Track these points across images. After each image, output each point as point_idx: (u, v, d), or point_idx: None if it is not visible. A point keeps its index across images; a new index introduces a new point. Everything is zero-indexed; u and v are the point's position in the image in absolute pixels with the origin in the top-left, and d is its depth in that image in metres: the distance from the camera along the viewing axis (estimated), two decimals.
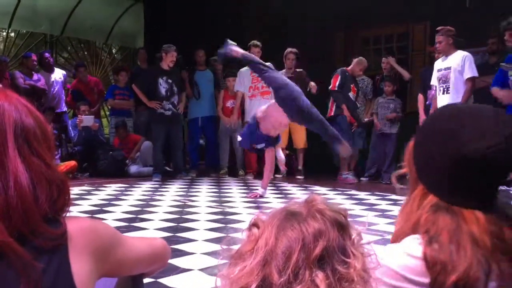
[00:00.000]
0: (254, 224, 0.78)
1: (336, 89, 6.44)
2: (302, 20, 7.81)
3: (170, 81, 6.46)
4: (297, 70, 6.68)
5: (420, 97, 5.89)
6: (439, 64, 5.22)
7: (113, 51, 13.09)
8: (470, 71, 4.89)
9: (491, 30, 5.76)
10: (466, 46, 5.82)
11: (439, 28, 5.13)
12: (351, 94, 6.56)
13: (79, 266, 0.73)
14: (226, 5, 8.55)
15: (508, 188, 1.82)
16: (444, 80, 5.10)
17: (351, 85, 6.59)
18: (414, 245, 0.90)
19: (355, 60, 6.67)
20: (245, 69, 6.78)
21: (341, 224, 0.75)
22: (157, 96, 6.42)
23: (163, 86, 6.44)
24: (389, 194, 5.00)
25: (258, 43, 6.67)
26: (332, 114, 6.43)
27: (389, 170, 6.11)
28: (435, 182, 0.95)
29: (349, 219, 0.80)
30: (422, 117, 5.71)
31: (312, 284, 0.69)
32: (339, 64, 8.17)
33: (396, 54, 7.80)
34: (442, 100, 5.02)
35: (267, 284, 0.71)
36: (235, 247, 0.79)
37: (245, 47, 7.34)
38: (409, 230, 0.95)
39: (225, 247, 0.81)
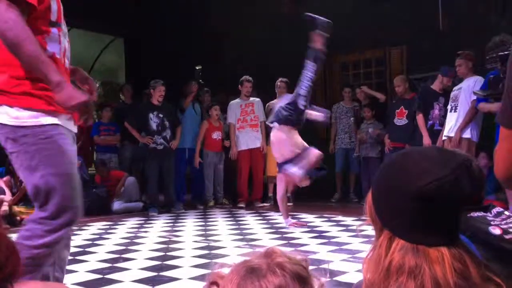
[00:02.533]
0: (213, 283, 0.77)
1: None
2: (280, 47, 7.91)
3: (161, 115, 6.52)
4: None
5: (420, 116, 5.73)
6: (456, 86, 5.34)
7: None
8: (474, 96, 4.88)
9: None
10: (438, 69, 5.97)
11: (459, 52, 5.22)
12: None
13: None
14: (206, 38, 8.65)
15: (484, 213, 1.83)
16: (454, 99, 5.23)
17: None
18: None
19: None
20: (235, 101, 6.90)
21: (302, 277, 0.75)
22: (149, 131, 6.47)
23: (153, 120, 6.51)
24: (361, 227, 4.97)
25: (250, 78, 6.88)
26: None
27: None
28: (397, 224, 0.96)
29: (310, 270, 0.79)
30: (425, 136, 5.60)
31: None
32: (318, 91, 8.28)
33: (374, 78, 7.95)
34: (450, 118, 5.19)
35: None
36: None
37: (228, 80, 7.47)
38: (382, 278, 0.95)
39: None
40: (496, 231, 1.56)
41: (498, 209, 1.69)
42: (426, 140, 5.57)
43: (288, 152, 4.73)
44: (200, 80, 7.15)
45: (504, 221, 1.61)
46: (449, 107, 5.32)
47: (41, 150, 1.74)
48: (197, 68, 7.00)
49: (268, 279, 0.72)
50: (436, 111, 5.75)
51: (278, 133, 4.77)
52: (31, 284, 0.78)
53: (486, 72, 4.92)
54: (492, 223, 1.65)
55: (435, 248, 0.92)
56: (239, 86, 6.91)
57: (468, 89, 5.07)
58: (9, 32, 1.60)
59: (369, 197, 1.06)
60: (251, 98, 6.96)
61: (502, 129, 1.21)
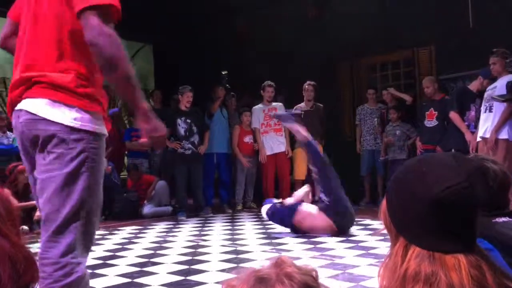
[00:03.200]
0: None
1: None
2: (308, 50, 7.90)
3: (188, 121, 6.61)
4: (317, 104, 6.84)
5: (456, 115, 5.55)
6: (491, 85, 5.16)
7: None
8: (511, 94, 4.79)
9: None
10: (471, 68, 5.84)
11: (494, 50, 5.04)
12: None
13: None
14: (231, 39, 8.72)
15: (510, 219, 1.79)
16: (488, 99, 5.06)
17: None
18: None
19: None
20: (258, 107, 6.96)
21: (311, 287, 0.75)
22: (177, 136, 6.56)
23: (181, 126, 6.59)
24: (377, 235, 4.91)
25: (272, 83, 6.90)
26: None
27: None
28: (413, 232, 0.96)
29: (319, 281, 0.79)
30: (466, 132, 5.43)
31: None
32: (345, 93, 8.23)
33: (403, 79, 7.84)
34: (486, 118, 5.02)
35: None
36: None
37: (250, 82, 7.50)
38: (398, 285, 0.95)
39: None
40: None
41: None
42: (468, 136, 5.36)
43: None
44: (227, 85, 7.19)
45: None
46: (482, 107, 5.15)
47: (89, 161, 1.65)
48: (223, 73, 7.07)
49: None
50: (473, 113, 5.60)
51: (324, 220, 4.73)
52: None
53: None
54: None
55: (451, 255, 0.91)
56: (261, 91, 6.95)
57: (502, 88, 4.90)
58: (109, 48, 1.54)
59: (383, 204, 1.06)
60: (274, 103, 7.01)
61: None
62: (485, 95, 5.17)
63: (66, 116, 1.63)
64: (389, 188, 1.06)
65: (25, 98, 1.66)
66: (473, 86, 5.68)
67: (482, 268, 0.91)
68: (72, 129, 1.63)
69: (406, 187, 0.99)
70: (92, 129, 1.65)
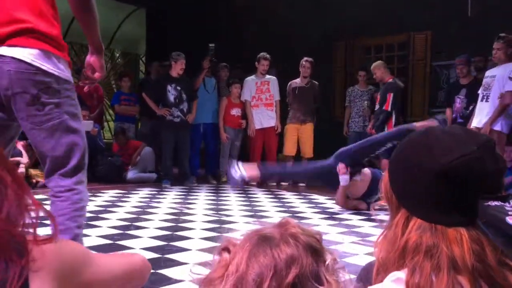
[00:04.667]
0: (225, 249, 0.75)
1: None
2: (303, 29, 7.83)
3: (179, 88, 6.51)
4: (312, 81, 6.83)
5: (448, 112, 5.83)
6: (488, 71, 5.11)
7: (116, 55, 13.14)
8: (510, 85, 4.70)
9: (493, 39, 5.74)
10: (469, 56, 5.84)
11: (502, 34, 4.90)
12: None
13: None
14: (228, 13, 8.59)
15: (502, 203, 1.80)
16: (486, 87, 4.98)
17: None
18: (396, 285, 0.89)
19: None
20: (250, 78, 6.87)
21: (315, 249, 0.73)
22: (166, 103, 6.47)
23: (171, 93, 6.50)
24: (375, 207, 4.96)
25: (268, 55, 6.77)
26: None
27: None
28: (416, 203, 0.94)
29: (322, 243, 0.77)
30: None
31: None
32: (339, 73, 8.20)
33: (396, 63, 7.82)
34: (481, 108, 4.97)
35: None
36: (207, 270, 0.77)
37: (247, 56, 7.40)
38: (397, 257, 0.94)
39: (194, 273, 0.79)
40: None
41: None
42: None
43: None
44: (213, 58, 7.05)
45: None
46: (480, 94, 5.08)
47: (77, 107, 1.81)
48: (210, 45, 6.92)
49: (281, 248, 0.71)
50: (458, 105, 5.68)
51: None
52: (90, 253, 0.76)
53: None
54: (509, 213, 1.63)
55: (453, 228, 0.90)
56: (256, 63, 6.85)
57: (502, 77, 4.78)
58: None
59: (385, 176, 1.04)
60: (267, 76, 6.90)
61: None
62: (484, 82, 5.09)
63: (56, 67, 1.72)
64: (392, 159, 1.05)
65: (9, 45, 1.65)
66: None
67: (482, 243, 0.90)
68: (61, 79, 1.74)
69: (411, 158, 0.97)
70: (71, 78, 1.79)
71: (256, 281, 0.68)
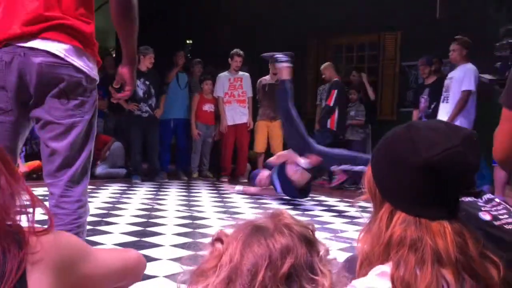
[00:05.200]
0: (218, 239, 0.75)
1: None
2: (275, 26, 7.84)
3: (147, 82, 6.40)
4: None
5: (415, 113, 6.00)
6: (449, 73, 5.33)
7: None
8: (467, 84, 4.95)
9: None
10: (436, 57, 6.00)
11: (457, 36, 5.15)
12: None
13: (37, 281, 0.68)
14: (201, 10, 8.52)
15: (475, 199, 1.85)
16: (446, 89, 5.20)
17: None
18: (380, 278, 0.90)
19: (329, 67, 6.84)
20: (223, 74, 6.84)
21: (309, 240, 0.73)
22: (135, 97, 6.35)
23: (140, 87, 6.38)
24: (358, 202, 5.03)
25: (241, 52, 6.75)
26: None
27: (354, 176, 6.31)
28: (400, 197, 0.96)
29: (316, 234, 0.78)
30: None
31: None
32: (311, 70, 8.25)
33: (367, 62, 7.94)
34: (442, 109, 5.17)
35: None
36: (198, 262, 0.76)
37: (218, 54, 7.36)
38: (382, 250, 0.95)
39: (186, 265, 0.78)
40: (486, 216, 1.58)
41: (489, 195, 1.70)
42: None
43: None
44: (189, 55, 7.00)
45: (494, 208, 1.63)
46: (442, 97, 5.32)
47: (96, 109, 1.77)
48: (187, 42, 6.86)
49: (275, 238, 0.71)
50: (422, 104, 5.86)
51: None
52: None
53: (486, 60, 4.92)
54: (482, 208, 1.67)
55: (437, 221, 0.92)
56: (229, 59, 6.82)
57: (459, 79, 5.05)
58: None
59: (368, 171, 1.05)
60: (240, 73, 6.88)
61: (504, 111, 1.21)
62: (444, 84, 5.32)
63: (86, 64, 1.70)
64: (375, 154, 1.06)
65: (42, 38, 1.63)
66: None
67: (465, 236, 0.92)
68: (90, 78, 1.71)
69: (395, 153, 0.98)
70: (98, 78, 1.76)
71: (251, 271, 0.68)
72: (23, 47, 1.61)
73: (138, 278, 1.02)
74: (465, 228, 0.94)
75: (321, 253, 0.74)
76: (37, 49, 1.61)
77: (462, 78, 5.02)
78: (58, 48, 1.63)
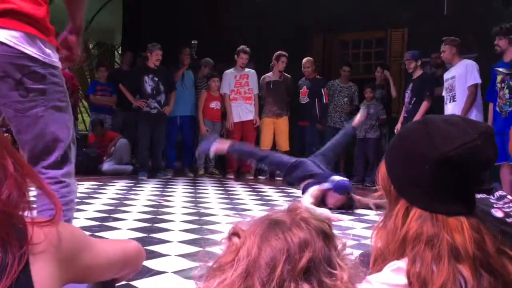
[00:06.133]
0: (235, 233, 0.74)
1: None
2: (281, 22, 7.82)
3: (156, 79, 6.42)
4: (285, 74, 6.79)
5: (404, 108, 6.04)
6: (446, 74, 5.39)
7: (90, 46, 12.88)
8: (472, 79, 5.01)
9: (468, 37, 5.90)
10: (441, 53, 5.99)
11: (444, 38, 5.29)
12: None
13: (40, 272, 0.68)
14: (203, 4, 8.50)
15: (487, 196, 1.83)
16: (450, 89, 5.24)
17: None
18: (396, 274, 0.90)
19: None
20: (229, 71, 6.84)
21: (326, 234, 0.73)
22: (143, 94, 6.37)
23: (148, 84, 6.41)
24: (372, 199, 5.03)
25: (247, 49, 6.72)
26: None
27: (371, 174, 6.34)
28: (417, 193, 0.95)
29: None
30: (398, 126, 5.91)
31: None
32: (317, 67, 8.22)
33: (373, 59, 7.91)
34: (450, 109, 5.19)
35: None
36: (213, 257, 0.76)
37: (223, 48, 7.36)
38: (397, 247, 0.94)
39: (202, 259, 0.77)
40: (498, 213, 1.57)
41: (501, 192, 1.69)
42: (398, 125, 5.89)
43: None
44: (194, 55, 7.00)
45: (507, 205, 1.61)
46: (446, 97, 5.35)
47: (64, 93, 1.68)
48: (193, 42, 6.88)
49: (293, 232, 0.70)
50: (406, 99, 5.93)
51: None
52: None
53: (493, 55, 4.94)
54: (494, 205, 1.66)
55: (454, 217, 0.91)
56: (235, 56, 6.82)
57: (462, 75, 5.08)
58: None
59: (382, 168, 1.05)
60: (246, 69, 6.88)
61: None
62: (446, 85, 5.34)
63: (42, 51, 1.60)
64: (389, 151, 1.05)
65: None
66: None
67: (482, 231, 0.92)
68: (47, 65, 1.62)
69: (411, 148, 0.97)
70: (58, 64, 1.67)
71: (269, 265, 0.67)
72: None
73: (137, 269, 1.02)
74: (482, 223, 0.94)
75: (338, 247, 0.74)
76: None
77: (465, 74, 5.05)
78: (7, 36, 1.52)
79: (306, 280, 0.67)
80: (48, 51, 1.63)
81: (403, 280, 0.88)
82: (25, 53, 1.56)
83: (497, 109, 4.67)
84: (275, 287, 0.66)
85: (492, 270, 0.87)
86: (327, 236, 0.72)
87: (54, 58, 1.66)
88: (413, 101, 5.74)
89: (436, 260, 0.88)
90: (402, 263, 0.91)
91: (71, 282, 0.76)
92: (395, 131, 5.82)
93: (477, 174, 0.94)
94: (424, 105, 5.55)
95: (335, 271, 0.69)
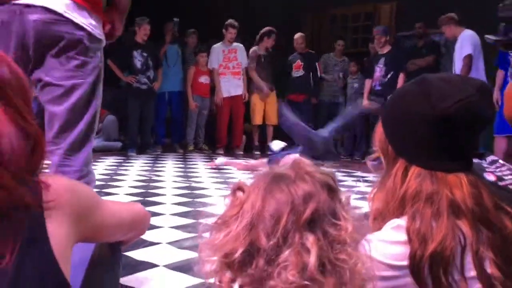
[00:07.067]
0: (239, 188, 0.74)
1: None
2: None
3: (145, 54, 6.34)
4: (271, 49, 6.77)
5: (367, 82, 6.14)
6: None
7: None
8: (464, 50, 5.01)
9: (457, 10, 5.88)
10: (428, 27, 6.03)
11: (441, 18, 5.31)
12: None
13: (55, 228, 0.68)
14: None
15: (479, 160, 1.87)
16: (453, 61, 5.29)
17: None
18: (396, 231, 0.91)
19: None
20: (217, 45, 6.76)
21: (330, 187, 0.73)
22: (132, 69, 6.28)
23: (138, 59, 6.32)
24: (355, 171, 5.08)
25: (235, 23, 6.63)
26: None
27: (359, 148, 6.47)
28: (415, 153, 0.96)
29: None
30: (365, 101, 6.04)
31: (303, 248, 0.66)
32: (307, 41, 8.16)
33: (360, 33, 7.88)
34: None
35: (255, 249, 0.68)
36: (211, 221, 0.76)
37: (209, 26, 7.25)
38: (397, 205, 0.95)
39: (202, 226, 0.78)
40: (491, 177, 1.59)
41: (493, 157, 1.72)
42: (364, 101, 6.03)
43: None
44: (176, 32, 6.89)
45: (499, 169, 1.64)
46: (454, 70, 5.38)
47: (101, 72, 1.65)
48: (174, 19, 6.74)
49: (297, 185, 0.71)
50: (377, 73, 5.95)
51: None
52: (57, 178, 0.73)
53: (487, 28, 4.92)
54: (487, 169, 1.69)
55: (453, 174, 0.93)
56: (224, 30, 6.73)
57: (458, 49, 5.09)
58: None
59: (379, 129, 1.05)
60: (234, 44, 6.80)
61: None
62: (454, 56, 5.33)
63: (89, 22, 1.57)
64: (385, 112, 1.05)
65: None
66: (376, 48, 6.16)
67: (480, 187, 0.93)
68: (93, 37, 1.58)
69: (408, 108, 0.97)
70: (103, 38, 1.63)
71: (273, 217, 0.68)
72: (19, 4, 1.50)
73: (143, 232, 1.03)
74: (479, 179, 0.96)
75: (342, 200, 0.74)
76: (33, 5, 1.49)
77: (460, 47, 5.05)
78: (57, 3, 1.51)
79: (311, 231, 0.67)
80: (95, 22, 1.59)
81: (403, 237, 0.90)
82: (73, 21, 1.53)
83: (509, 79, 4.69)
84: (279, 238, 0.67)
85: (490, 225, 0.89)
86: (331, 189, 0.73)
87: (100, 31, 1.61)
88: (389, 75, 5.82)
89: (435, 216, 0.89)
90: (402, 221, 0.93)
91: (82, 241, 0.76)
92: (364, 106, 5.99)
93: (476, 129, 0.96)
94: (402, 77, 5.67)
95: (339, 222, 0.69)
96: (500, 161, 1.68)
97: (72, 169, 1.59)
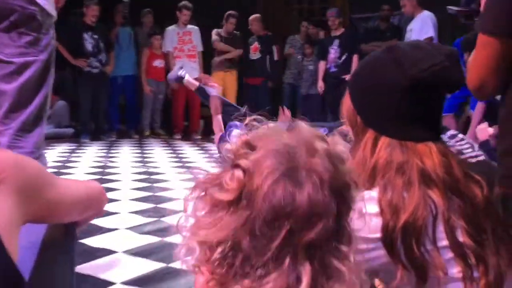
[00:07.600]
0: (238, 165, 0.60)
1: None
2: None
3: (96, 36, 6.07)
4: (234, 32, 6.65)
5: (321, 64, 6.18)
6: (408, 26, 5.33)
7: None
8: (425, 31, 4.97)
9: None
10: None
11: None
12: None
13: (1, 204, 0.61)
14: None
15: (448, 140, 1.88)
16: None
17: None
18: (368, 203, 0.88)
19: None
20: (171, 28, 6.58)
21: (344, 197, 0.61)
22: (83, 52, 6.01)
23: (89, 41, 6.04)
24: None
25: (189, 4, 6.47)
26: None
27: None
28: (384, 123, 0.94)
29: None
30: (320, 83, 6.12)
31: (294, 274, 0.57)
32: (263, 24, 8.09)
33: (316, 15, 7.89)
34: None
35: (239, 250, 0.59)
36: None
37: (164, 8, 7.03)
38: (368, 177, 0.93)
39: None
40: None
41: (452, 131, 1.74)
42: (319, 83, 6.14)
43: None
44: (126, 14, 6.67)
45: (458, 143, 1.66)
46: None
47: (54, 50, 1.58)
48: (124, 0, 6.51)
49: (304, 188, 0.58)
50: (332, 55, 6.02)
51: None
52: (2, 151, 0.66)
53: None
54: (447, 143, 1.70)
55: (423, 143, 0.91)
56: (177, 12, 6.55)
57: (418, 29, 5.03)
58: None
59: (346, 100, 1.02)
60: (189, 26, 6.65)
61: (482, 37, 1.20)
62: (405, 37, 5.36)
63: None
64: (352, 82, 1.03)
65: None
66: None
67: (449, 156, 0.92)
68: (45, 13, 1.50)
69: (377, 76, 0.94)
70: (55, 14, 1.54)
71: (270, 226, 0.58)
72: None
73: (99, 212, 0.95)
74: (448, 149, 0.94)
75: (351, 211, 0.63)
76: None
77: (421, 27, 5.05)
78: None
79: (308, 258, 0.58)
80: None
81: (375, 209, 0.87)
82: None
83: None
84: (270, 256, 0.57)
85: (461, 194, 0.88)
86: (345, 200, 0.61)
87: (52, 7, 1.53)
88: (344, 57, 5.90)
89: (406, 186, 0.88)
90: (374, 193, 0.90)
91: (32, 220, 0.69)
92: (319, 88, 6.13)
93: (443, 98, 0.95)
94: (356, 59, 5.74)
95: (343, 248, 0.60)
96: (460, 135, 1.70)
97: (23, 151, 1.51)
